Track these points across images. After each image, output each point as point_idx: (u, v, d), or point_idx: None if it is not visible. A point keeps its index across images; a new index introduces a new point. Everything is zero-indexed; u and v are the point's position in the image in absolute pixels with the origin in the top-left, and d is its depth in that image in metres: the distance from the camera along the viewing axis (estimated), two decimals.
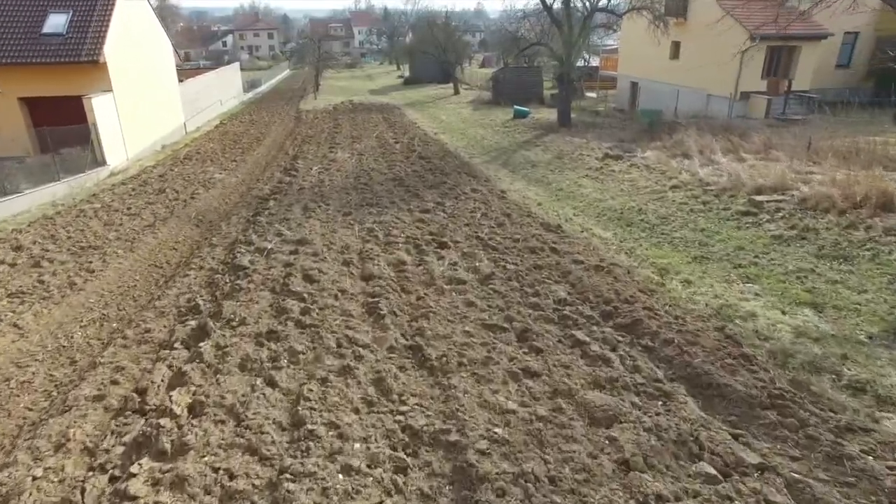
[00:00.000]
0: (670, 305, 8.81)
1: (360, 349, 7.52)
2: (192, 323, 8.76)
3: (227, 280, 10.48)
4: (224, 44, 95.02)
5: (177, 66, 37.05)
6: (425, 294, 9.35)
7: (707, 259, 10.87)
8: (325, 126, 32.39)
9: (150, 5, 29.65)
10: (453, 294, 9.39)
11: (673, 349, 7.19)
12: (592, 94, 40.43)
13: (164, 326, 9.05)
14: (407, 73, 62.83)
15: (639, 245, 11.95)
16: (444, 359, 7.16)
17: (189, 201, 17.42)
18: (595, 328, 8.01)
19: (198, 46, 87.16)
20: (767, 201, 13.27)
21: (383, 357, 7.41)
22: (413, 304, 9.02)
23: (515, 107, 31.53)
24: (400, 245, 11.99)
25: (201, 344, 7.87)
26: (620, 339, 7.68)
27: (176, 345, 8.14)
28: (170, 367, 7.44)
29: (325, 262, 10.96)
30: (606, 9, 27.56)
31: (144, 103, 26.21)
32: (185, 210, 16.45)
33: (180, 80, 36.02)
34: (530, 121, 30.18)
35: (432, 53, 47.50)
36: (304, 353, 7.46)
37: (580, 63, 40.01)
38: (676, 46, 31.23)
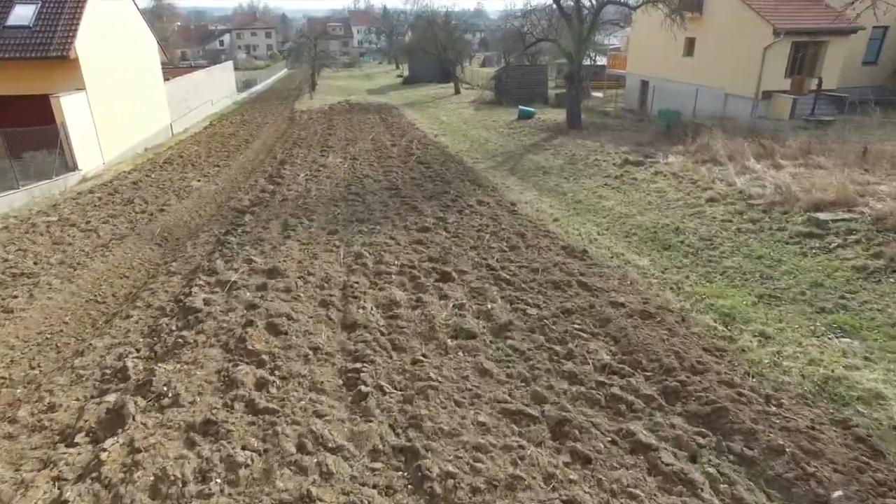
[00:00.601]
0: (754, 377, 6.39)
1: (330, 456, 5.12)
2: (111, 399, 6.34)
3: (174, 328, 8.05)
4: (221, 43, 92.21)
5: (169, 64, 34.64)
6: (423, 355, 6.93)
7: (777, 299, 8.44)
8: (319, 127, 29.93)
9: (135, 1, 27.14)
10: (460, 354, 6.97)
11: (786, 464, 4.79)
12: (599, 94, 37.96)
13: (76, 401, 6.63)
14: (406, 73, 60.33)
15: (685, 278, 9.52)
16: (451, 482, 4.75)
17: (156, 215, 14.99)
18: (660, 418, 5.60)
19: (194, 46, 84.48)
20: (833, 220, 10.85)
21: (362, 470, 5.01)
22: (407, 372, 6.60)
23: (520, 107, 29.09)
24: (393, 276, 9.57)
25: (110, 441, 5.46)
26: (701, 440, 5.26)
27: (79, 438, 5.74)
28: (54, 483, 5.03)
29: (299, 302, 8.54)
30: (619, 1, 25.07)
31: (124, 103, 23.75)
32: (149, 226, 13.99)
33: (167, 79, 33.61)
34: (536, 122, 27.74)
35: (432, 52, 44.98)
36: (247, 466, 5.05)
37: (586, 62, 37.58)
38: (691, 43, 28.76)
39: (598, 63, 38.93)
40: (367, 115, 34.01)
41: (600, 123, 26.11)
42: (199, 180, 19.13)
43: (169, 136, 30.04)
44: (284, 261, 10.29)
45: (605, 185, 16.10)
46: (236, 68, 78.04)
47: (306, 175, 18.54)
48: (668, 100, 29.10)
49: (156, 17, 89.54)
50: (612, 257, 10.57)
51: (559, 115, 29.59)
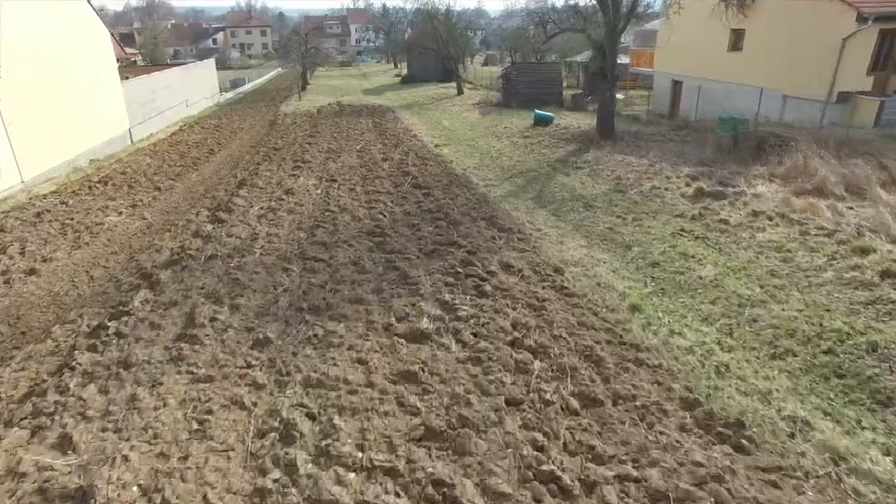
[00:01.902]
0: None
1: None
2: None
3: None
4: (214, 41, 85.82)
5: (124, 62, 29.08)
6: None
7: None
8: (300, 134, 24.37)
9: None
10: None
11: None
12: (619, 95, 32.32)
13: None
14: (405, 72, 54.57)
15: None
16: None
17: (20, 281, 9.53)
18: None
19: (187, 45, 78.43)
20: None
21: None
22: None
23: (536, 111, 23.51)
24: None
25: None
26: None
27: None
28: None
29: None
30: None
31: (56, 108, 18.23)
32: None
33: (125, 78, 28.03)
34: (556, 129, 22.20)
35: (433, 49, 39.21)
36: None
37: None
38: (738, 36, 23.19)
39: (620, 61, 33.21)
40: (358, 120, 28.41)
41: (635, 132, 20.56)
42: (121, 212, 13.63)
43: (127, 143, 24.55)
44: (126, 449, 4.82)
45: (683, 230, 10.59)
46: (229, 67, 72.23)
47: (263, 207, 13.05)
48: (707, 102, 23.59)
49: (146, 15, 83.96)
50: (790, 435, 5.09)
51: (580, 121, 24.05)
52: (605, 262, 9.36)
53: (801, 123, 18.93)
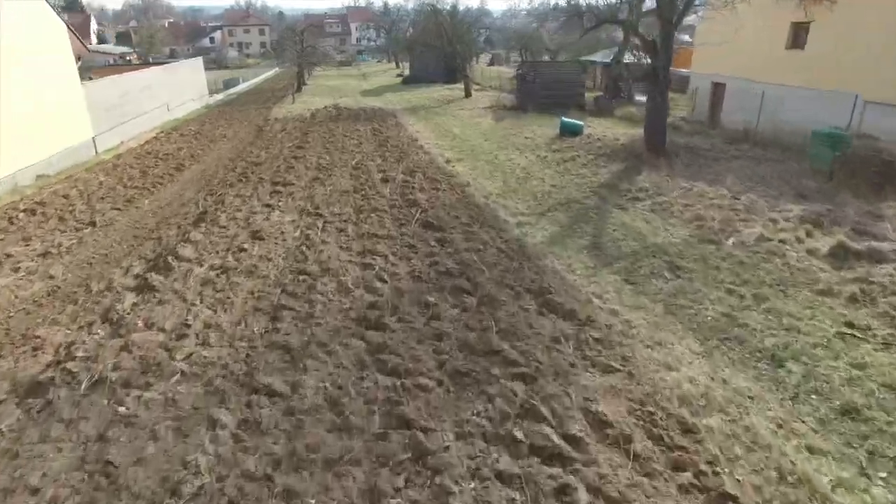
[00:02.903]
0: None
1: None
2: None
3: None
4: (211, 40, 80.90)
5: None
6: None
7: None
8: (288, 145, 20.25)
9: None
10: None
11: None
12: (642, 98, 28.16)
13: None
14: (407, 72, 50.24)
15: None
16: None
17: None
18: None
19: (183, 43, 73.76)
20: None
21: None
22: None
23: (563, 119, 19.35)
24: None
25: None
26: None
27: None
28: None
29: None
30: None
31: None
32: None
33: (88, 79, 23.95)
34: (588, 140, 18.09)
35: (437, 47, 34.88)
36: None
37: (627, 58, 27.79)
38: (800, 30, 19.02)
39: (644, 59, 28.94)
40: (355, 126, 24.26)
41: (685, 145, 16.43)
42: (19, 266, 9.53)
43: (91, 154, 20.53)
44: None
45: (852, 326, 6.53)
46: (225, 66, 67.72)
47: (214, 265, 8.96)
48: (756, 107, 19.44)
49: (141, 13, 79.24)
50: None
51: (612, 129, 19.95)
52: (755, 403, 5.28)
53: (886, 133, 14.83)
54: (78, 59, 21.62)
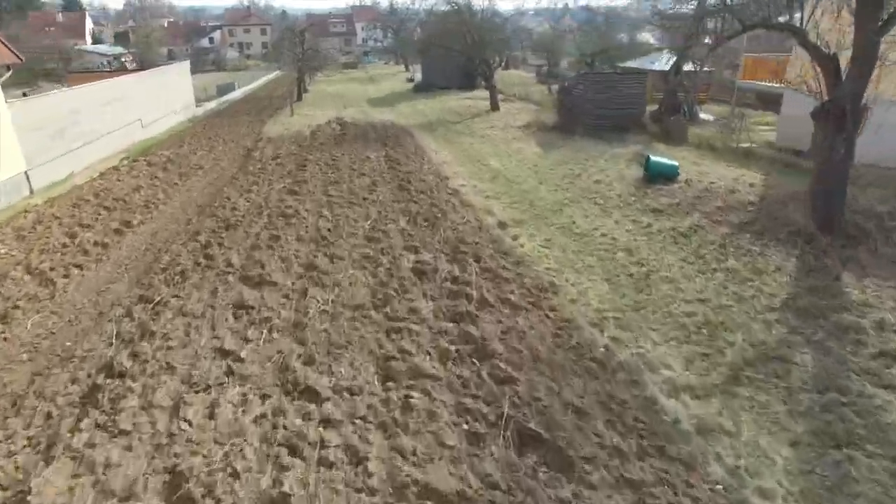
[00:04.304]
0: None
1: None
2: None
3: None
4: (211, 41, 74.40)
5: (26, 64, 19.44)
6: None
7: None
8: (278, 185, 14.58)
9: None
10: None
11: None
12: (707, 117, 22.39)
13: None
14: (417, 76, 44.23)
15: None
16: None
17: None
18: None
19: (181, 44, 67.49)
20: None
21: None
22: None
23: (651, 157, 13.55)
24: None
25: None
26: None
27: None
28: None
29: None
30: None
31: None
32: None
33: (23, 94, 18.38)
34: (689, 188, 12.43)
35: (457, 49, 28.99)
36: None
37: (687, 67, 22.00)
38: None
39: (705, 69, 23.04)
40: (365, 151, 18.57)
41: (862, 211, 10.68)
42: None
43: (23, 195, 15.13)
44: None
45: None
46: (223, 68, 61.59)
47: None
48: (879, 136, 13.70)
49: (136, 12, 73.11)
50: None
51: (708, 167, 14.28)
52: None
53: None
54: (6, 68, 15.88)
